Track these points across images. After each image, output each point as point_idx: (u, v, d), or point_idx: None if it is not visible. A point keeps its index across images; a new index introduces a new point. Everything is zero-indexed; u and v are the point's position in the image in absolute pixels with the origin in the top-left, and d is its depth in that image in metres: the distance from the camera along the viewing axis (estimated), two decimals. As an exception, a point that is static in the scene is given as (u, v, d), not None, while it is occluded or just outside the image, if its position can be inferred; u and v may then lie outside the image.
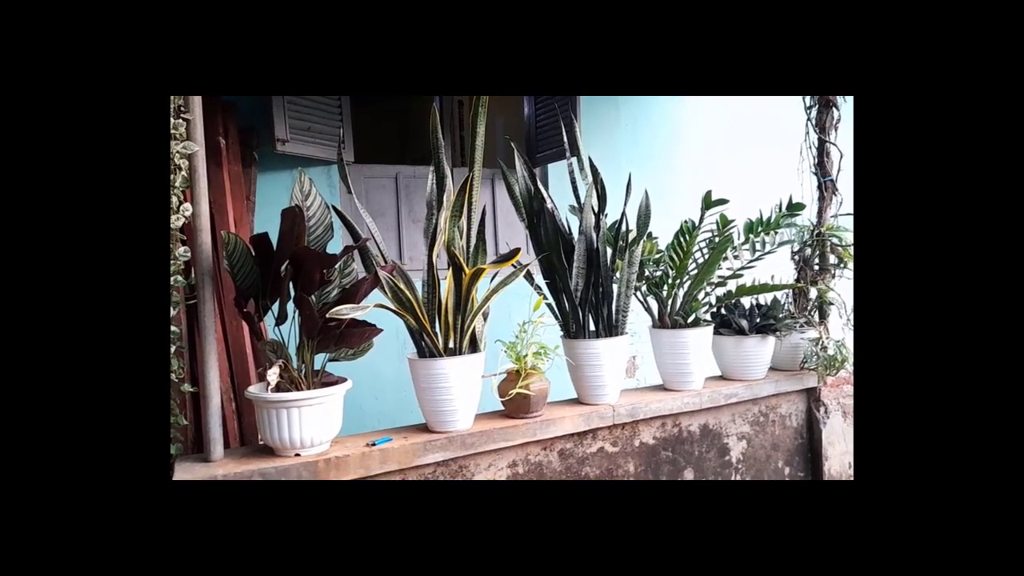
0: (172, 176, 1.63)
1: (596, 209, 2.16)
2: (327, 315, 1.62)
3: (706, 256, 2.31)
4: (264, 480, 1.57)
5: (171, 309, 1.66)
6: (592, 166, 2.21)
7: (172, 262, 1.66)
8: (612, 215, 2.22)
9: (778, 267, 2.60)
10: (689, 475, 2.30)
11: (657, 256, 2.35)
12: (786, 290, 2.55)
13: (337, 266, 1.84)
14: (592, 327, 2.19)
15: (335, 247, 1.90)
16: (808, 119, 2.68)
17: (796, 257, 2.66)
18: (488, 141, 2.04)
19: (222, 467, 1.59)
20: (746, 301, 2.52)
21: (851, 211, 2.53)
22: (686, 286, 2.33)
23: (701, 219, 2.28)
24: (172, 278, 1.66)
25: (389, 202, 3.27)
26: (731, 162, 4.24)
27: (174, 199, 1.65)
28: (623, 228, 2.19)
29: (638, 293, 2.35)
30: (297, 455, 1.65)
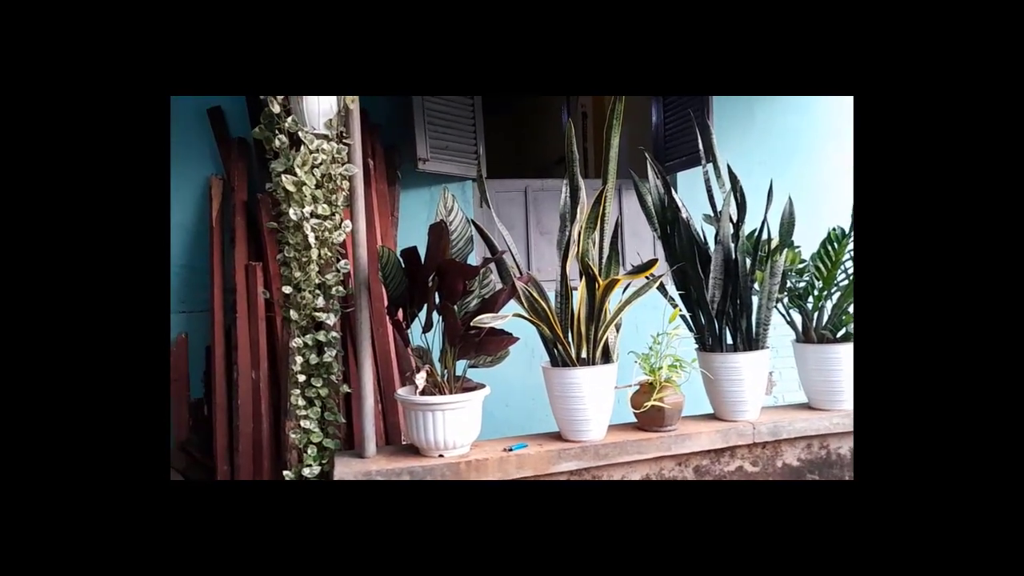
0: (335, 195, 1.81)
1: (734, 217, 2.09)
2: (470, 324, 1.70)
3: (858, 266, 2.14)
4: (411, 479, 1.67)
5: (332, 316, 1.83)
6: (731, 173, 2.14)
7: (334, 274, 1.83)
8: (750, 223, 2.13)
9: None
10: (839, 502, 2.13)
11: (801, 266, 2.21)
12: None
13: (477, 277, 1.93)
14: (729, 340, 2.11)
15: (472, 259, 2.00)
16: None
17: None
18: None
19: (375, 463, 1.72)
20: (905, 315, 2.30)
21: None
22: (835, 298, 2.18)
23: (852, 226, 2.12)
24: (334, 288, 1.83)
25: (518, 215, 3.37)
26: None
27: (336, 216, 1.82)
28: (763, 237, 2.09)
29: (780, 305, 2.23)
30: (441, 456, 1.75)
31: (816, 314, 2.20)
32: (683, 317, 2.17)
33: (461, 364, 1.90)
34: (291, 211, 1.74)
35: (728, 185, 2.14)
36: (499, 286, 1.94)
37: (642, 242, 3.54)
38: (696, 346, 2.17)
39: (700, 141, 2.36)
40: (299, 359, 1.79)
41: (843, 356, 2.11)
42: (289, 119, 1.75)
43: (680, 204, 2.15)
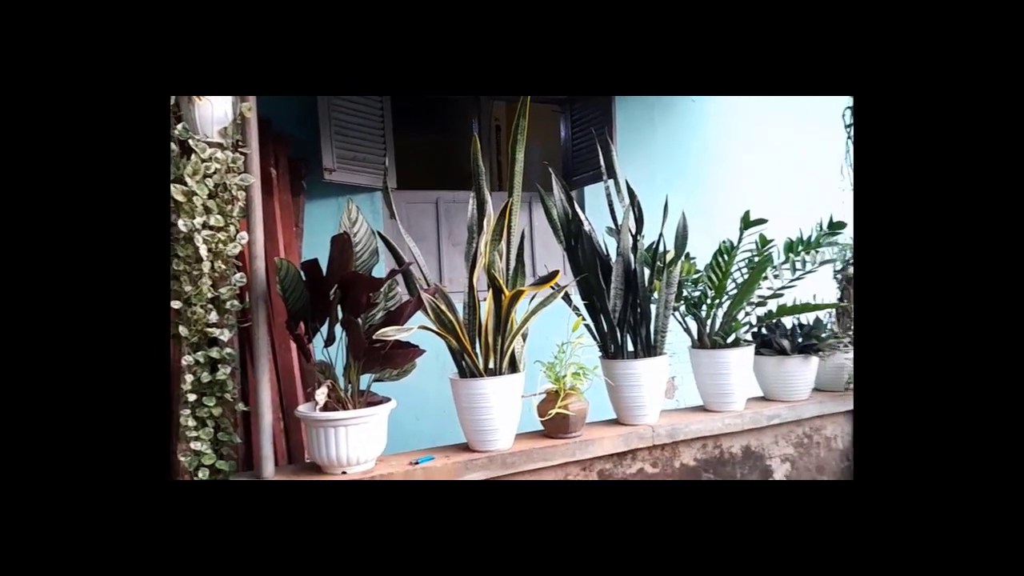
0: (230, 206, 1.73)
1: (633, 230, 2.19)
2: (373, 337, 1.68)
3: (745, 276, 2.30)
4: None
5: (227, 332, 1.75)
6: (629, 188, 2.24)
7: (228, 288, 1.76)
8: (649, 236, 2.24)
9: (820, 286, 2.57)
10: (732, 498, 2.26)
11: (695, 276, 2.35)
12: (829, 309, 2.51)
13: (382, 289, 1.91)
14: (630, 347, 2.20)
15: (379, 271, 1.98)
16: (848, 137, 2.66)
17: (838, 276, 2.62)
18: (525, 164, 2.09)
19: (274, 483, 1.65)
20: (788, 321, 2.49)
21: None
22: (725, 306, 2.33)
23: (740, 239, 2.28)
24: (228, 302, 1.75)
25: (430, 226, 3.36)
26: (770, 182, 4.21)
27: (231, 228, 1.74)
28: (660, 249, 2.20)
29: (676, 313, 2.35)
30: (344, 473, 1.71)
31: (709, 321, 2.34)
32: (587, 326, 2.24)
33: (366, 378, 1.87)
34: (181, 222, 1.65)
35: (627, 200, 2.24)
36: (406, 298, 1.93)
37: (551, 254, 3.63)
38: (600, 354, 2.25)
39: (602, 158, 2.46)
40: (189, 377, 1.70)
41: (733, 360, 2.25)
42: (179, 126, 1.67)
43: (583, 218, 2.23)
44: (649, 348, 2.18)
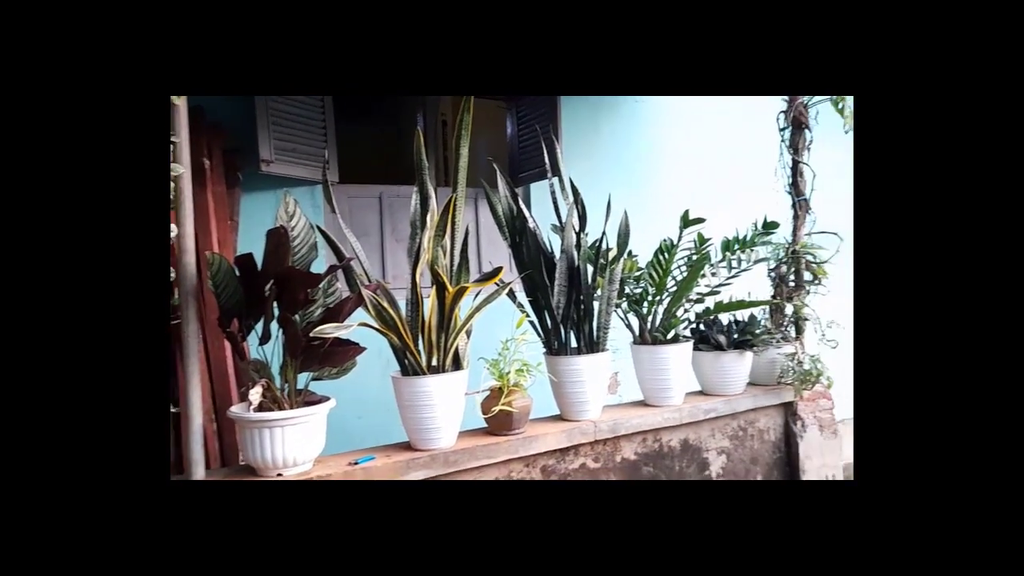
0: (156, 197, 1.64)
1: (577, 228, 2.21)
2: (311, 334, 1.63)
3: (685, 274, 2.36)
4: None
5: (154, 329, 1.66)
6: (573, 186, 2.26)
7: (155, 282, 1.67)
8: (593, 234, 2.27)
9: (755, 284, 2.66)
10: (671, 490, 2.32)
11: (637, 274, 2.39)
12: (763, 306, 2.61)
13: (321, 285, 1.85)
14: (574, 344, 2.23)
15: (319, 267, 1.92)
16: (782, 141, 2.76)
17: (772, 274, 2.73)
18: (471, 160, 2.08)
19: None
20: (724, 317, 2.57)
21: (824, 230, 2.62)
22: (665, 303, 2.38)
23: (679, 237, 2.33)
24: (155, 298, 1.66)
25: (373, 221, 3.30)
26: (709, 182, 4.34)
27: (158, 220, 1.65)
28: (603, 247, 2.23)
29: (619, 310, 2.39)
30: (279, 475, 1.65)
31: (650, 318, 2.39)
32: (531, 323, 2.25)
33: (304, 377, 1.81)
34: (102, 213, 1.56)
35: (572, 198, 2.26)
36: (347, 294, 1.88)
37: (498, 250, 3.62)
38: (544, 350, 2.26)
39: (547, 156, 2.47)
40: (112, 378, 1.60)
41: (672, 356, 2.31)
42: (99, 110, 1.57)
43: (527, 215, 2.23)
44: (592, 344, 2.21)
